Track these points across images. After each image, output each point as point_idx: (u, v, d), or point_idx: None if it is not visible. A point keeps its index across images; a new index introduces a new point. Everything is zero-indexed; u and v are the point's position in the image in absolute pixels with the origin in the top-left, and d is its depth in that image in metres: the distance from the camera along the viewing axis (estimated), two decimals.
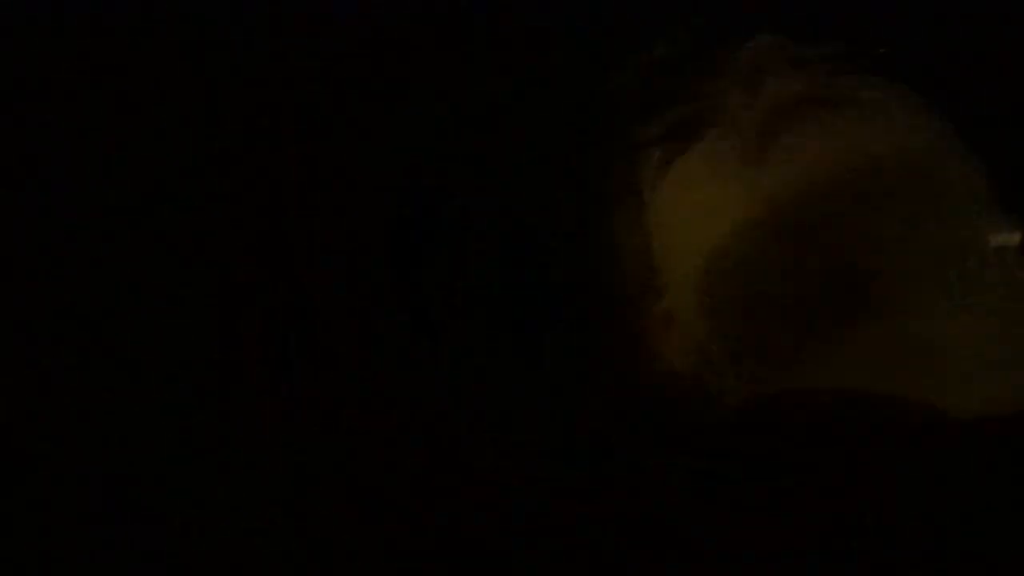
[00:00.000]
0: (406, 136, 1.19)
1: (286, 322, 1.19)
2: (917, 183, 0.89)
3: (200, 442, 1.16)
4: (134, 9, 1.23)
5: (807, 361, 0.90)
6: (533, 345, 1.05)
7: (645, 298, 0.97)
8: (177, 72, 1.23)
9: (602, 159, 1.01)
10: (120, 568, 1.13)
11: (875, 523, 0.88)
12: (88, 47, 1.23)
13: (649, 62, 1.02)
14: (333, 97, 1.22)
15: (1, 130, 1.22)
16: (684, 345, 0.94)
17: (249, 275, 1.20)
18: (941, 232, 0.89)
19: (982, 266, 0.91)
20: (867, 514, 0.88)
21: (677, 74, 0.99)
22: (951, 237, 0.89)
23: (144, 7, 1.23)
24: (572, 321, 1.02)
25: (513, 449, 1.04)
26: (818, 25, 1.00)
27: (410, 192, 1.16)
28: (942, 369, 0.89)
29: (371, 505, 1.12)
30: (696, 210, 0.94)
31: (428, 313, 1.11)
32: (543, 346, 1.04)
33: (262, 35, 1.23)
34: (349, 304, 1.18)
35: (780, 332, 0.91)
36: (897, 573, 0.88)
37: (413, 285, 1.13)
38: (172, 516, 1.14)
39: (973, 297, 0.91)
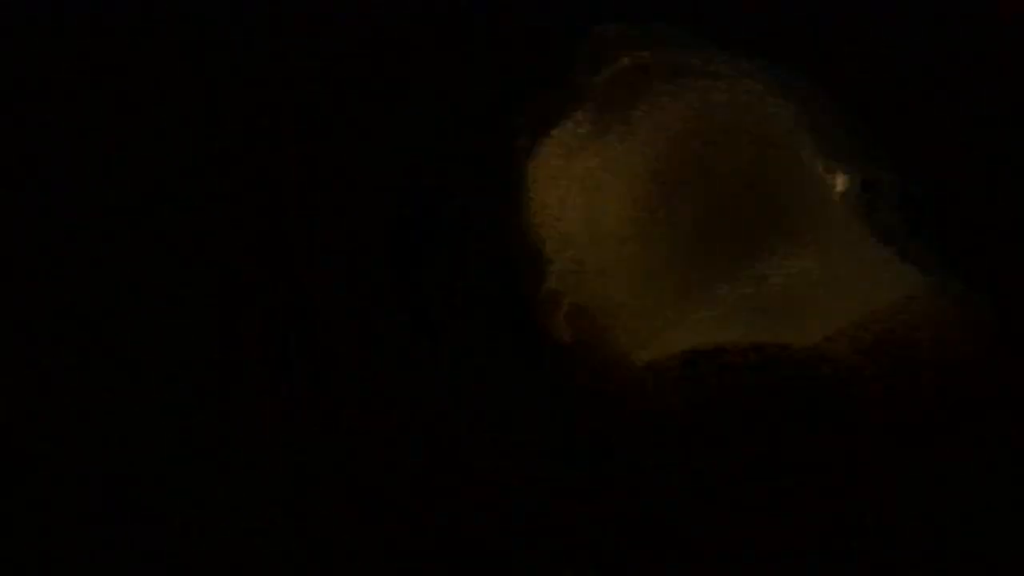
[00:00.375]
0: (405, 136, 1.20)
1: (286, 322, 1.19)
2: (754, 142, 0.98)
3: (200, 442, 1.16)
4: (134, 9, 1.23)
5: (689, 316, 0.98)
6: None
7: (532, 282, 1.02)
8: (177, 72, 1.23)
9: (479, 151, 1.08)
10: (120, 568, 1.13)
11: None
12: (88, 47, 1.22)
13: (509, 56, 1.10)
14: (333, 97, 1.22)
15: (1, 130, 1.21)
16: (572, 320, 1.00)
17: (249, 275, 1.20)
18: (783, 184, 0.98)
19: (826, 210, 1.00)
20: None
21: (540, 64, 1.08)
22: (793, 188, 0.98)
23: (144, 7, 1.23)
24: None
25: (504, 445, 1.05)
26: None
27: (409, 192, 1.17)
28: (802, 312, 0.96)
29: (370, 505, 1.11)
30: (565, 189, 1.02)
31: (427, 312, 1.12)
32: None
33: (262, 35, 1.23)
34: (349, 304, 1.18)
35: (654, 295, 0.98)
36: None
37: (413, 285, 1.13)
38: (172, 516, 1.14)
39: (821, 240, 1.00)
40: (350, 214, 1.19)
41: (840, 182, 1.07)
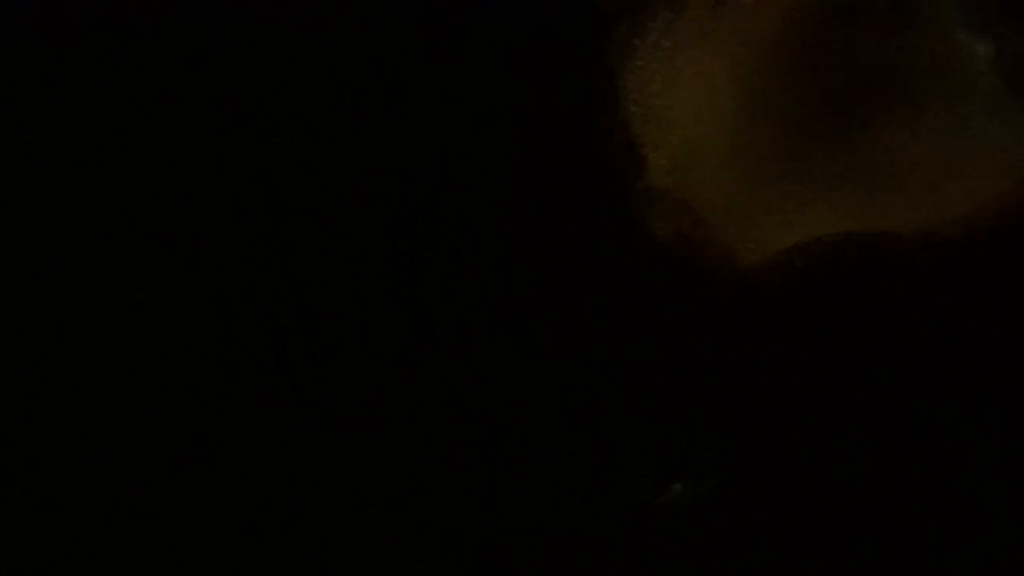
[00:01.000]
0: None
1: (286, 323, 1.18)
2: (880, 15, 0.92)
3: (200, 442, 1.15)
4: (134, 9, 1.23)
5: (800, 208, 0.92)
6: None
7: (629, 176, 0.97)
8: (176, 72, 1.23)
9: (573, 35, 1.03)
10: (120, 568, 1.12)
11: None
12: (88, 47, 1.22)
13: None
14: (333, 97, 1.22)
15: (1, 130, 1.21)
16: (674, 216, 0.95)
17: (249, 275, 1.20)
18: (922, 45, 0.92)
19: (969, 77, 0.94)
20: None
21: None
22: (932, 49, 0.92)
23: (144, 7, 1.23)
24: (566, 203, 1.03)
25: (513, 446, 1.04)
26: None
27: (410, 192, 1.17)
28: (941, 183, 0.91)
29: (370, 505, 1.11)
30: (664, 79, 0.96)
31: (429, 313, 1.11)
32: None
33: (262, 35, 1.23)
34: (350, 304, 1.18)
35: (769, 182, 0.93)
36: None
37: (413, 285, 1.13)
38: (172, 516, 1.13)
39: (963, 108, 0.94)
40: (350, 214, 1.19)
41: (982, 48, 1.00)
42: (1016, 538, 0.91)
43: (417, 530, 1.09)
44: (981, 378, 0.89)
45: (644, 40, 0.98)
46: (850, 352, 0.88)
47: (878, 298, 0.84)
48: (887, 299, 0.84)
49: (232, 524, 1.13)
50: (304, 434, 1.15)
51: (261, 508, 1.14)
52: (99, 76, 1.22)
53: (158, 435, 1.16)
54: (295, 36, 1.22)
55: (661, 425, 0.91)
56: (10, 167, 1.21)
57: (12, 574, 1.12)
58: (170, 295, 1.20)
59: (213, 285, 1.20)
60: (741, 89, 0.93)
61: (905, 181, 0.90)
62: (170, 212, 1.21)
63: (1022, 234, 0.87)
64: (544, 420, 1.01)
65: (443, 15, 1.16)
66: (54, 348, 1.18)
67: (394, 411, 1.14)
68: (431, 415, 1.12)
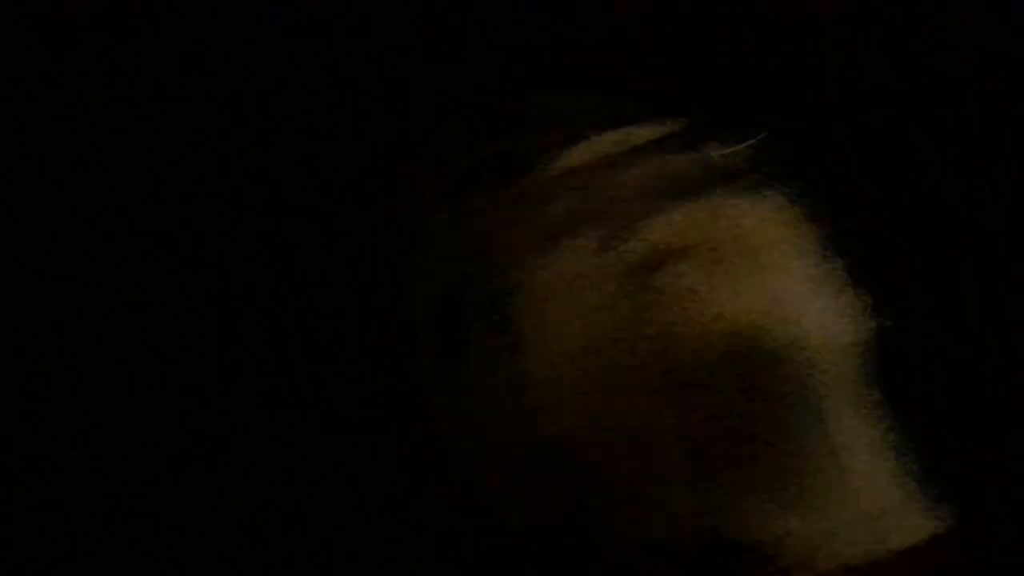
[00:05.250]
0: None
1: (286, 323, 1.19)
2: (778, 354, 0.92)
3: (200, 442, 1.15)
4: (134, 9, 1.23)
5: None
6: None
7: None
8: (174, 73, 1.23)
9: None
10: (120, 568, 1.13)
11: None
12: (88, 47, 1.22)
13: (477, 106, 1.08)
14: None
15: (1, 130, 1.21)
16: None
17: (249, 276, 1.20)
18: (803, 386, 0.94)
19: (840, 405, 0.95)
20: None
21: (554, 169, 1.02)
22: (812, 389, 0.94)
23: (144, 7, 1.23)
24: None
25: None
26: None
27: None
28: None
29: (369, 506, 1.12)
30: (566, 308, 0.96)
31: None
32: None
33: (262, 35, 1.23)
34: (350, 305, 1.19)
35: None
36: None
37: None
38: (172, 516, 1.14)
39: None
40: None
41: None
42: None
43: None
44: None
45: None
46: None
47: None
48: None
49: (230, 524, 1.14)
50: (303, 434, 1.16)
51: (258, 508, 1.14)
52: (99, 76, 1.22)
53: (151, 434, 1.16)
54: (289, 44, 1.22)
55: None
56: (10, 167, 1.21)
57: (12, 574, 1.13)
58: (168, 294, 1.20)
59: (213, 285, 1.20)
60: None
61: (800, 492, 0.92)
62: (168, 212, 1.22)
63: None
64: None
65: None
66: (54, 348, 1.18)
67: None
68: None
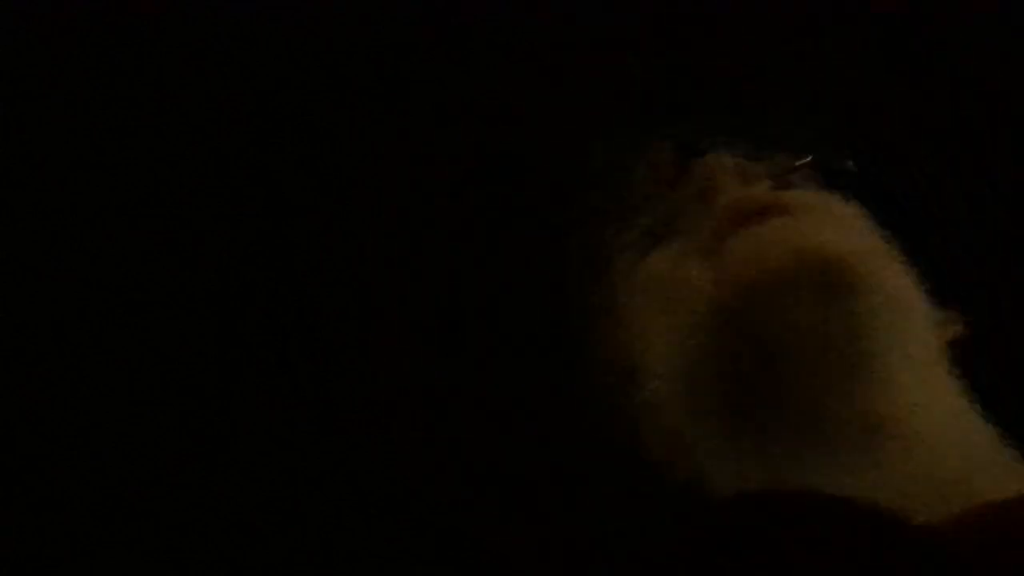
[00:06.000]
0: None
1: (286, 323, 1.19)
2: (837, 282, 0.91)
3: (200, 442, 1.16)
4: (135, 9, 1.23)
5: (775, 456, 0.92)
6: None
7: (626, 389, 0.99)
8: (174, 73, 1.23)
9: (579, 265, 1.06)
10: (121, 568, 1.13)
11: None
12: (89, 47, 1.22)
13: (619, 175, 1.08)
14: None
15: (2, 130, 1.21)
16: (665, 434, 0.97)
17: (249, 276, 1.20)
18: (860, 326, 0.91)
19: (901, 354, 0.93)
20: None
21: (642, 187, 1.05)
22: (869, 330, 0.91)
23: (145, 7, 1.23)
24: (556, 411, 1.06)
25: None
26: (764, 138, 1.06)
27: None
28: (909, 453, 0.90)
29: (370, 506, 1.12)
30: (662, 306, 0.98)
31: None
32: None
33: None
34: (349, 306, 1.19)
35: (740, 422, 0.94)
36: None
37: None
38: (172, 516, 1.14)
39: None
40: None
41: (952, 330, 1.02)
42: None
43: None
44: None
45: (643, 268, 1.01)
46: None
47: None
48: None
49: (230, 524, 1.14)
50: (301, 434, 1.16)
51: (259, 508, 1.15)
52: (99, 76, 1.22)
53: (150, 434, 1.17)
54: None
55: None
56: (10, 167, 1.21)
57: (12, 574, 1.13)
58: (168, 294, 1.20)
59: (213, 284, 1.20)
60: (712, 327, 0.93)
61: (869, 447, 0.89)
62: (168, 212, 1.22)
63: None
64: None
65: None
66: (54, 348, 1.18)
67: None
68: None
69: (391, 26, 1.23)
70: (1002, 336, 1.09)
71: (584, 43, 1.23)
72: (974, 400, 0.95)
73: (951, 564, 0.77)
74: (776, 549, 0.79)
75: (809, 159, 1.03)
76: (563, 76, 1.20)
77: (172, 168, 1.22)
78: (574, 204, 1.07)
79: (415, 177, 1.20)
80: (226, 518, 1.14)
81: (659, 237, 1.01)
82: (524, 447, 1.08)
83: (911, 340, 0.93)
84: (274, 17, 1.23)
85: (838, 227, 0.96)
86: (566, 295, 1.05)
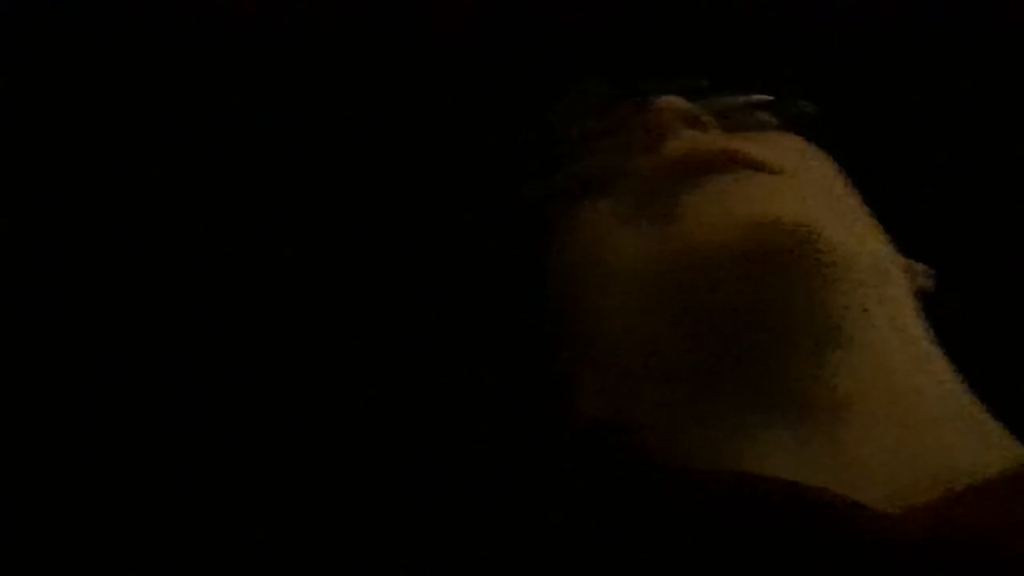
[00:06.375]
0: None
1: (286, 322, 1.19)
2: (796, 251, 0.86)
3: (200, 443, 1.15)
4: (134, 9, 1.24)
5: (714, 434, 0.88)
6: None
7: (557, 345, 0.97)
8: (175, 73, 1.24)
9: (507, 210, 1.03)
10: (121, 568, 1.12)
11: None
12: (90, 47, 1.24)
13: (554, 116, 1.05)
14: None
15: (2, 130, 1.23)
16: (598, 394, 0.93)
17: (249, 276, 1.21)
18: (822, 296, 0.86)
19: (867, 323, 0.88)
20: None
21: (580, 129, 1.02)
22: (832, 299, 0.87)
23: (144, 7, 1.25)
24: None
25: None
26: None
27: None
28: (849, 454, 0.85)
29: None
30: (597, 264, 0.94)
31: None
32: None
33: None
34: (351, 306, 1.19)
35: (673, 392, 0.90)
36: None
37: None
38: (172, 516, 1.13)
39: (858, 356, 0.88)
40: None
41: (919, 276, 0.99)
42: None
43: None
44: None
45: (578, 219, 0.97)
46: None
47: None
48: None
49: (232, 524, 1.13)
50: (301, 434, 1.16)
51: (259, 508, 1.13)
52: (99, 76, 1.24)
53: (148, 434, 1.16)
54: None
55: None
56: (10, 167, 1.22)
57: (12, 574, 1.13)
58: (168, 294, 1.20)
59: (213, 284, 1.21)
60: (650, 294, 0.89)
61: (832, 426, 0.84)
62: (168, 212, 1.22)
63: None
64: None
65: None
66: (54, 348, 1.18)
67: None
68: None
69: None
70: (969, 289, 1.05)
71: None
72: (949, 365, 0.91)
73: (900, 553, 0.74)
74: (729, 531, 0.76)
75: (767, 99, 0.99)
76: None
77: (171, 168, 1.23)
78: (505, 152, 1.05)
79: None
80: (225, 518, 1.13)
81: (595, 188, 0.97)
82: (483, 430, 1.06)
83: (876, 307, 0.88)
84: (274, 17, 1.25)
85: (793, 187, 0.90)
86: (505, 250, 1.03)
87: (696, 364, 0.87)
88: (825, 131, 1.00)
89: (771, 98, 1.00)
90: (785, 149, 0.94)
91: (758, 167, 0.90)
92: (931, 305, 0.96)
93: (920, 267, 0.99)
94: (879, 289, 0.89)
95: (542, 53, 1.20)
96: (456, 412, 1.11)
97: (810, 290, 0.85)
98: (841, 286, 0.86)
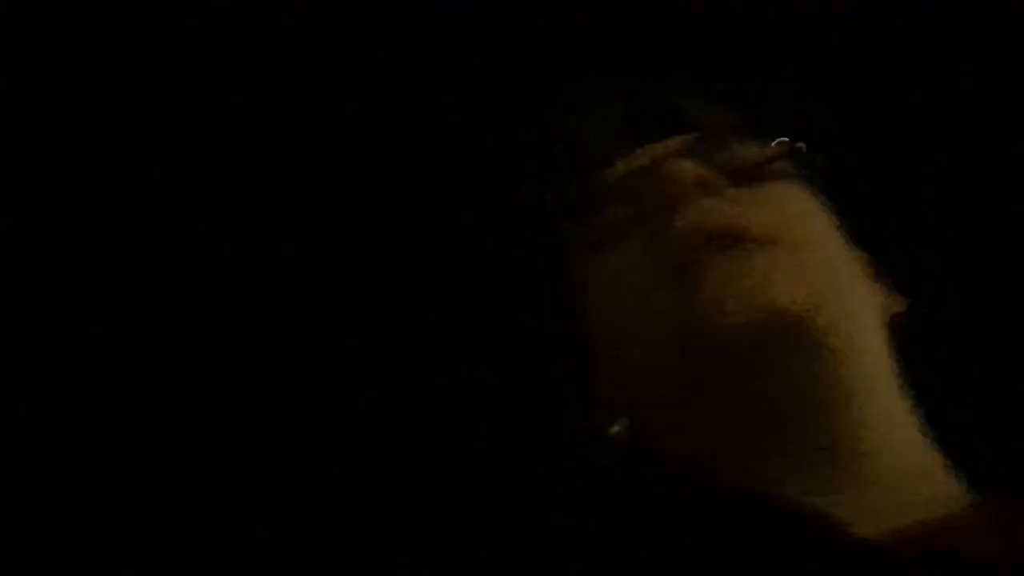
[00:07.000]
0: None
1: (285, 322, 1.19)
2: (799, 335, 0.95)
3: (200, 442, 1.15)
4: (134, 9, 1.25)
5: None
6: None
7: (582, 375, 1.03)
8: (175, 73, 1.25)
9: (507, 210, 1.09)
10: (121, 568, 1.12)
11: None
12: (90, 47, 1.25)
13: (560, 117, 1.09)
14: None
15: (3, 131, 1.23)
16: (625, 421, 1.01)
17: (249, 276, 1.21)
18: (820, 369, 0.96)
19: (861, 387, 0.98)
20: None
21: (595, 135, 1.07)
22: (829, 369, 0.97)
23: (145, 7, 1.25)
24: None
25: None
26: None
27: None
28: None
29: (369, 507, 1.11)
30: (632, 314, 1.01)
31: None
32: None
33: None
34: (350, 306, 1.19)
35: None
36: None
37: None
38: (172, 516, 1.13)
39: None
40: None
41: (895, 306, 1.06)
42: None
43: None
44: None
45: (605, 261, 1.03)
46: None
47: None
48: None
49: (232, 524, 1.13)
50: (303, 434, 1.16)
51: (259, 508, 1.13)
52: (99, 76, 1.24)
53: (148, 434, 1.16)
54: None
55: None
56: (10, 167, 1.23)
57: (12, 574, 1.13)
58: (168, 294, 1.20)
59: (214, 284, 1.21)
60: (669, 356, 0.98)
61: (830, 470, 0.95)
62: (168, 212, 1.22)
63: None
64: None
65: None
66: (54, 348, 1.18)
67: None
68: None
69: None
70: (951, 329, 1.10)
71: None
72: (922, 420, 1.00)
73: (886, 571, 0.83)
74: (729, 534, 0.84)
75: (774, 153, 1.04)
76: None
77: (172, 168, 1.24)
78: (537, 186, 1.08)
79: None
80: (225, 518, 1.13)
81: (626, 237, 1.02)
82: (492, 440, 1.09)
83: (864, 371, 0.98)
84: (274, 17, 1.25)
85: (796, 263, 0.97)
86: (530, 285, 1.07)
87: (715, 415, 0.97)
88: (831, 180, 1.05)
89: (778, 152, 1.05)
90: (790, 216, 1.01)
91: (764, 241, 0.97)
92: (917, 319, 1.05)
93: (898, 298, 1.06)
94: (865, 356, 0.99)
95: (542, 53, 1.22)
96: (456, 412, 1.13)
97: (810, 369, 0.95)
98: (841, 366, 0.96)
